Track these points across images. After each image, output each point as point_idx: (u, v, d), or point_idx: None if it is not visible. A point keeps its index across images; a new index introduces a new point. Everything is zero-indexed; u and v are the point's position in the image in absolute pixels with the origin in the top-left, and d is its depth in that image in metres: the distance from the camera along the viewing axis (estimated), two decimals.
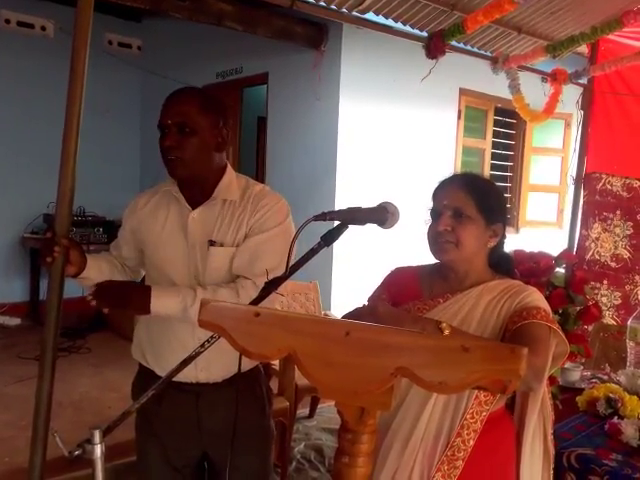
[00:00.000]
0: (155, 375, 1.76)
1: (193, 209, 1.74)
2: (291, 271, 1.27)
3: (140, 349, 1.84)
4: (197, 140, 1.66)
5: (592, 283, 3.48)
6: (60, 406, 3.55)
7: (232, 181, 1.77)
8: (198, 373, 1.70)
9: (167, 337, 1.75)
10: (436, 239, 1.53)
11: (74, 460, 1.08)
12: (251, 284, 1.64)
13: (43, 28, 5.88)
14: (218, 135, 1.71)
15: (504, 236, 1.60)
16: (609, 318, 3.56)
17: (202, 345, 1.19)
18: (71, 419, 3.54)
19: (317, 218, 1.28)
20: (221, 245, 1.70)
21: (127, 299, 1.64)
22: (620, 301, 3.58)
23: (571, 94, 3.60)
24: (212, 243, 1.70)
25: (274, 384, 3.19)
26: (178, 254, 1.74)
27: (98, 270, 1.78)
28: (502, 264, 1.62)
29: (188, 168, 1.67)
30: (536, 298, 1.49)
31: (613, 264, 3.62)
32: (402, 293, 1.63)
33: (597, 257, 3.65)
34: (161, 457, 1.81)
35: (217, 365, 1.70)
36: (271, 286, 1.28)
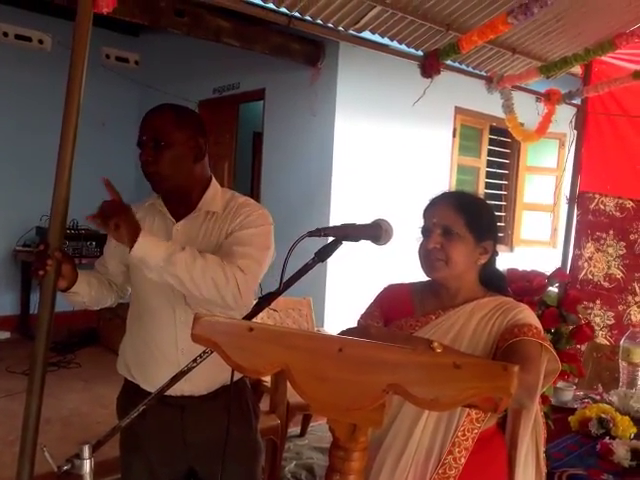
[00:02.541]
0: (140, 390, 1.75)
1: (177, 221, 1.75)
2: (285, 286, 1.27)
3: (125, 363, 1.84)
4: (172, 153, 1.67)
5: (585, 303, 3.48)
6: (49, 422, 3.52)
7: (216, 193, 1.79)
8: (183, 385, 1.67)
9: (150, 349, 1.75)
10: (426, 257, 1.55)
11: (62, 475, 1.07)
12: (234, 265, 1.59)
13: (40, 41, 5.91)
14: (195, 146, 1.72)
15: (495, 253, 1.61)
16: (602, 338, 3.56)
17: (194, 360, 1.18)
18: (59, 435, 3.50)
19: (312, 234, 1.29)
20: None
21: (124, 220, 1.53)
22: (613, 321, 3.59)
23: (565, 114, 3.64)
24: None
25: (265, 401, 3.16)
26: None
27: (88, 285, 1.78)
28: (494, 281, 1.63)
29: (167, 181, 1.70)
30: (527, 315, 1.50)
31: (606, 284, 3.63)
32: (395, 310, 1.63)
33: (590, 277, 3.66)
34: (146, 472, 1.80)
35: (202, 377, 1.67)
36: (264, 301, 1.28)
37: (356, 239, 1.34)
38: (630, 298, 3.57)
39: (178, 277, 1.55)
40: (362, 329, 1.38)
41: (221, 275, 1.56)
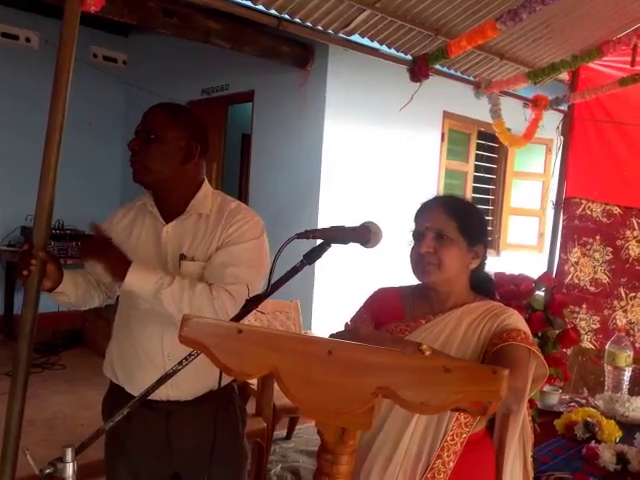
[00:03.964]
0: (126, 393, 1.73)
1: (167, 223, 1.74)
2: (272, 289, 1.26)
3: (111, 366, 1.82)
4: (160, 147, 1.67)
5: (571, 307, 3.50)
6: (32, 424, 3.47)
7: (207, 196, 1.77)
8: (168, 390, 1.67)
9: (137, 353, 1.73)
10: (419, 261, 1.54)
11: (45, 479, 1.05)
12: (224, 291, 1.62)
13: (28, 40, 5.87)
14: (185, 147, 1.70)
15: (485, 257, 1.61)
16: (587, 342, 3.58)
17: (180, 363, 1.17)
18: (43, 437, 3.46)
19: (300, 236, 1.28)
20: (192, 259, 1.69)
21: (108, 257, 1.61)
22: (598, 325, 3.61)
23: (552, 120, 3.66)
24: (183, 257, 1.69)
25: (252, 404, 3.15)
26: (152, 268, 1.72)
27: (74, 285, 1.75)
28: (483, 285, 1.63)
29: (148, 174, 1.68)
30: (516, 320, 1.50)
31: (592, 289, 3.65)
32: (384, 314, 1.63)
33: (576, 281, 3.68)
34: (130, 476, 1.78)
35: (188, 382, 1.67)
36: (252, 303, 1.27)
37: (344, 242, 1.33)
38: (616, 303, 3.60)
39: (167, 310, 1.59)
40: (352, 330, 1.38)
41: (209, 307, 1.58)
